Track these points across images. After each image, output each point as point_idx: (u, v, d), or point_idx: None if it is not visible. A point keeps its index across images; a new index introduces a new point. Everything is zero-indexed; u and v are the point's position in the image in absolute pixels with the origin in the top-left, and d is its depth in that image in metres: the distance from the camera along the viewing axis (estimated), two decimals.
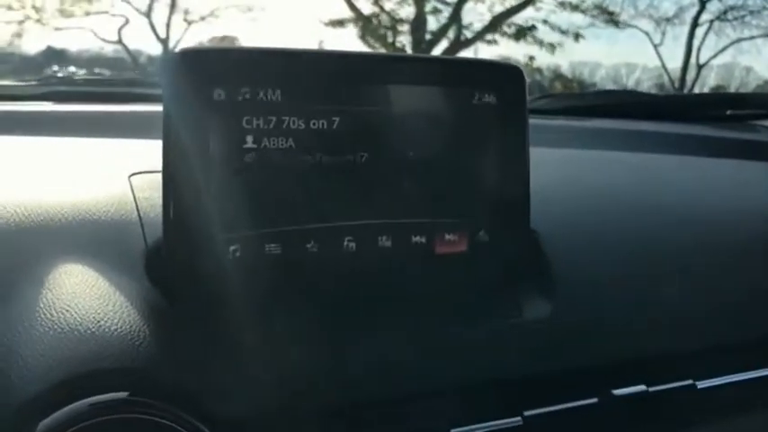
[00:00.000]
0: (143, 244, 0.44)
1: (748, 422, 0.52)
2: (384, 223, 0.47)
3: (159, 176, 0.44)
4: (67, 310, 0.37)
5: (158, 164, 0.44)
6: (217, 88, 0.42)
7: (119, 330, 0.36)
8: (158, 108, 0.43)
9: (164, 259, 0.43)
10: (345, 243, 0.46)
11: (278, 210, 0.44)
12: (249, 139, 0.43)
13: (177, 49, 0.42)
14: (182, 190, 0.42)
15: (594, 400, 0.46)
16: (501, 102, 0.49)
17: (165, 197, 0.42)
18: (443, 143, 0.48)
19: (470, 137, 0.48)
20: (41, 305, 0.38)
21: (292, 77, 0.44)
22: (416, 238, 0.47)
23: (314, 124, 0.44)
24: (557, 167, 0.65)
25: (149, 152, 0.52)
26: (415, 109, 0.47)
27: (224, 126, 0.42)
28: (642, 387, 0.47)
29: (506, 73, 0.50)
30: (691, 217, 0.60)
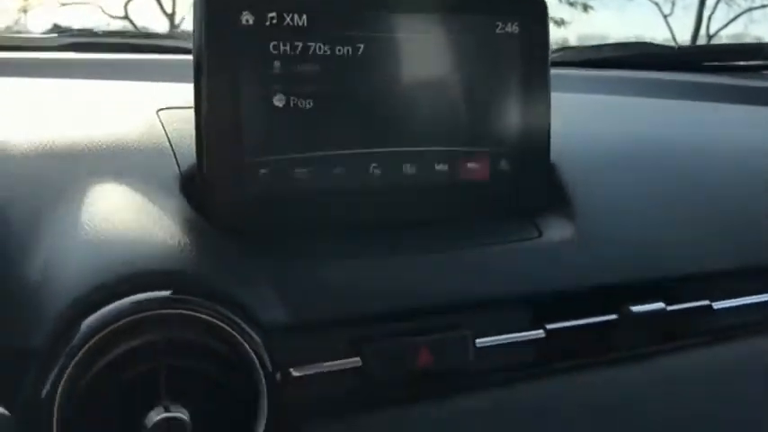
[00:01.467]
0: (176, 169, 0.45)
1: (764, 343, 0.53)
2: (408, 150, 0.47)
3: (186, 112, 0.45)
4: (109, 221, 0.38)
5: (184, 102, 0.45)
6: (245, 12, 0.43)
7: (161, 238, 0.38)
8: (178, 57, 0.43)
9: (197, 183, 0.44)
10: (371, 169, 0.47)
11: (305, 135, 0.45)
12: (276, 64, 0.44)
13: None
14: (212, 115, 0.43)
15: (614, 316, 0.47)
16: (524, 32, 0.49)
17: (197, 123, 0.43)
18: (467, 72, 0.48)
19: (493, 66, 0.49)
20: (83, 218, 0.39)
21: (318, 3, 0.44)
22: (439, 166, 0.48)
23: (339, 51, 0.45)
24: (575, 108, 0.65)
25: (174, 94, 0.53)
26: (440, 37, 0.47)
27: (252, 51, 0.43)
28: (660, 305, 0.48)
29: (529, 3, 0.50)
30: (705, 148, 0.61)
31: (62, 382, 0.33)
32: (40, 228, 0.39)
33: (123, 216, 0.39)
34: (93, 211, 0.40)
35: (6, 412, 0.29)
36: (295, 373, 0.39)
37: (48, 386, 0.33)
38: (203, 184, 0.43)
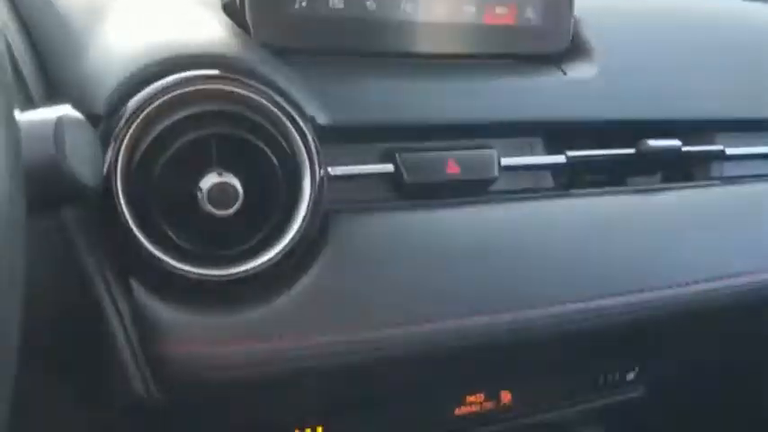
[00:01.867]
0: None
1: None
2: None
3: None
4: (159, 21, 0.41)
5: None
6: None
7: (210, 35, 0.40)
8: None
9: (239, 6, 0.46)
10: (402, 5, 0.49)
11: None
12: None
13: None
14: None
15: (632, 150, 0.50)
16: None
17: None
18: None
19: None
20: (135, 20, 0.42)
21: None
22: (467, 7, 0.50)
23: None
24: None
25: None
26: None
27: None
28: (677, 142, 0.51)
29: None
30: (725, 15, 0.63)
31: (122, 149, 0.36)
32: (97, 25, 0.41)
33: (172, 19, 0.42)
34: (144, 15, 0.42)
35: (83, 117, 0.31)
36: (333, 172, 0.42)
37: (109, 153, 0.36)
38: (245, 6, 0.45)
